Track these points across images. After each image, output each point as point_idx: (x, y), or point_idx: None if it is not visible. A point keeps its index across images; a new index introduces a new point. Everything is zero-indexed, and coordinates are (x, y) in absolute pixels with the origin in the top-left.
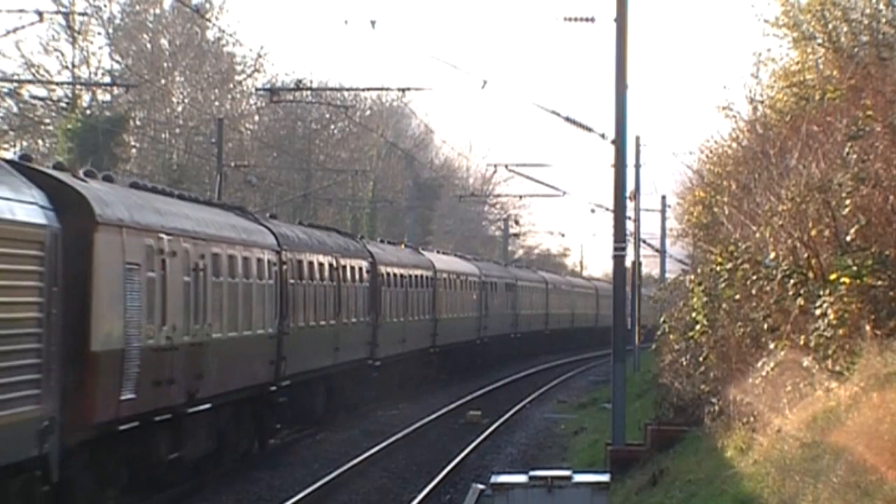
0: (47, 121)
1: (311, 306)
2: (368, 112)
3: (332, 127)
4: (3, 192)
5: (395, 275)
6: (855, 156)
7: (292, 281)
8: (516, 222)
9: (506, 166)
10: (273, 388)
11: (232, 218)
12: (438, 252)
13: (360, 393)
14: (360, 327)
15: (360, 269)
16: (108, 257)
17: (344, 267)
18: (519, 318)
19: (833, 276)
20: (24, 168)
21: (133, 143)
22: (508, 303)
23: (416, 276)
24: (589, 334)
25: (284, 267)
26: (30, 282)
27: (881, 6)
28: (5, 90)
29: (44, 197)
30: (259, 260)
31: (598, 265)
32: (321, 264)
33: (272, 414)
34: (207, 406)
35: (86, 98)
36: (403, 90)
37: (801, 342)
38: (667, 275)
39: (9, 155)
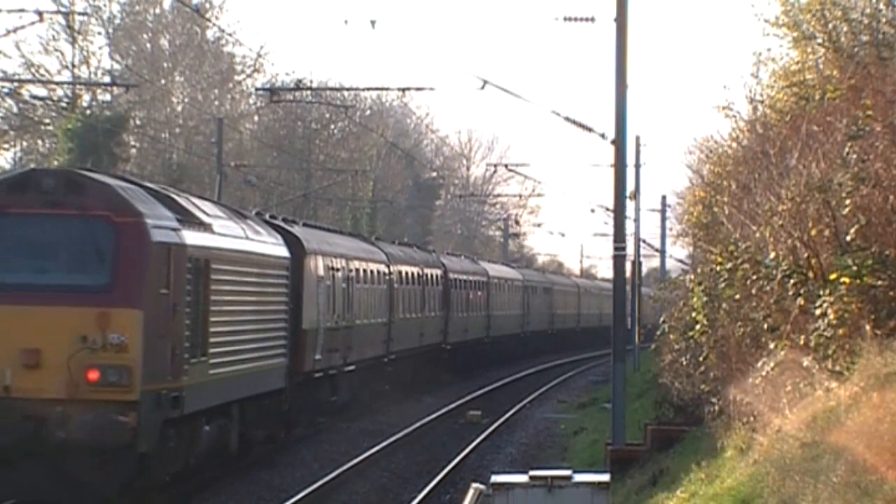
0: (47, 121)
1: (406, 303)
2: (368, 112)
3: (332, 127)
4: (269, 239)
5: (460, 280)
6: (855, 156)
7: (396, 286)
8: (516, 222)
9: (506, 166)
10: (385, 359)
11: (360, 242)
12: (489, 261)
13: (437, 367)
14: (436, 319)
15: (437, 276)
16: (310, 273)
17: (427, 275)
18: (555, 317)
19: (833, 276)
20: (265, 220)
21: (133, 143)
22: (546, 303)
23: (474, 281)
24: None
25: (391, 276)
26: (281, 289)
27: (881, 6)
28: (5, 90)
29: (280, 239)
30: (378, 271)
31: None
32: (412, 273)
33: (384, 378)
34: (352, 367)
35: (86, 98)
36: (403, 90)
37: (801, 342)
38: (667, 275)
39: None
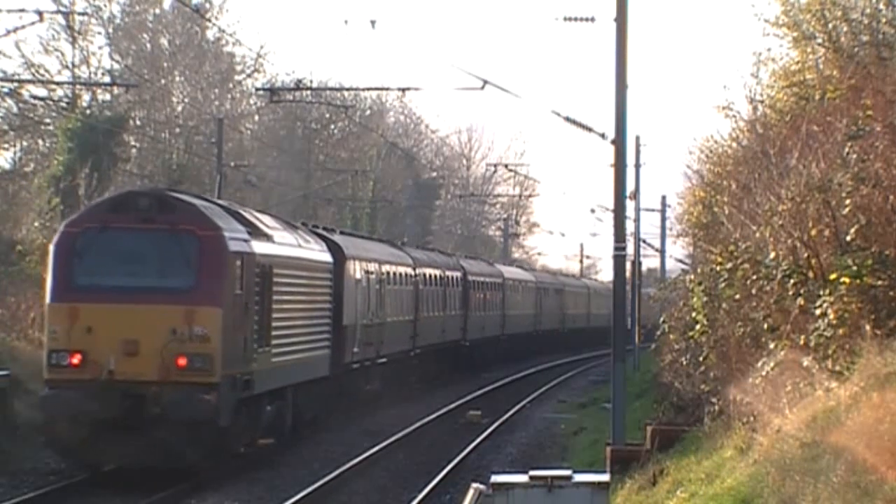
0: (47, 121)
1: (430, 303)
2: (368, 112)
3: (332, 127)
4: (316, 246)
5: (477, 281)
6: (855, 156)
7: (421, 287)
8: (517, 222)
9: (506, 166)
10: (411, 353)
11: (389, 248)
12: (505, 264)
13: (456, 361)
14: (456, 318)
15: (457, 278)
16: (349, 276)
17: (448, 277)
18: (566, 316)
19: (833, 276)
20: (309, 230)
21: (133, 143)
22: (557, 304)
23: (490, 282)
24: None
25: (417, 278)
26: (325, 290)
27: (881, 6)
28: (5, 90)
29: (324, 245)
30: (405, 274)
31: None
32: (435, 275)
33: (410, 370)
34: (384, 360)
35: (86, 98)
36: (403, 90)
37: (801, 342)
38: (667, 274)
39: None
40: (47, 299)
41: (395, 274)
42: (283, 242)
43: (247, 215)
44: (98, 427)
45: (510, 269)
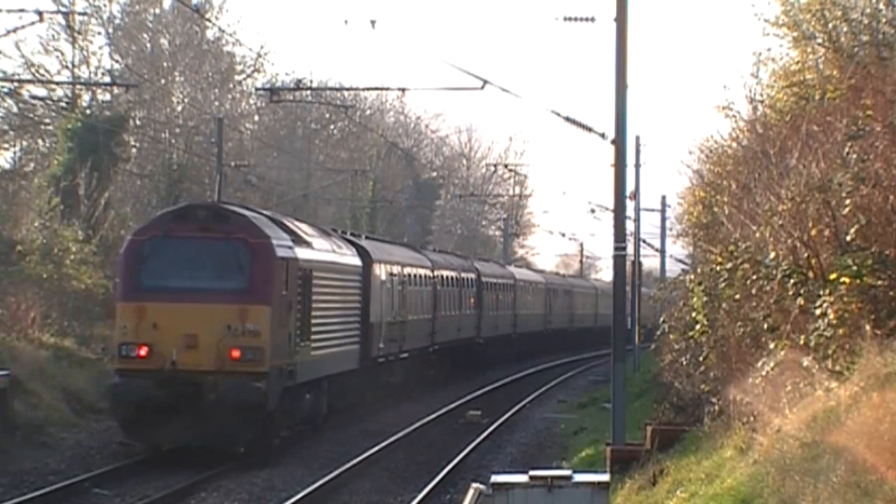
0: (47, 121)
1: (447, 302)
2: (368, 112)
3: (332, 127)
4: (347, 251)
5: (491, 282)
6: (855, 156)
7: (439, 287)
8: (517, 222)
9: (505, 166)
10: (429, 349)
11: (409, 251)
12: (517, 266)
13: (471, 358)
14: (470, 317)
15: (472, 279)
16: (375, 278)
17: (463, 278)
18: (574, 316)
19: (833, 276)
20: (340, 235)
21: (133, 143)
22: (566, 304)
23: (503, 284)
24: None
25: (435, 279)
26: (355, 291)
27: (881, 6)
28: (5, 90)
29: (354, 250)
30: (425, 275)
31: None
32: (451, 277)
33: (429, 365)
34: (406, 355)
35: (86, 98)
36: (403, 90)
37: (801, 342)
38: (667, 274)
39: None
40: (118, 299)
41: (415, 276)
42: (321, 248)
43: (290, 224)
44: (161, 411)
45: (521, 270)
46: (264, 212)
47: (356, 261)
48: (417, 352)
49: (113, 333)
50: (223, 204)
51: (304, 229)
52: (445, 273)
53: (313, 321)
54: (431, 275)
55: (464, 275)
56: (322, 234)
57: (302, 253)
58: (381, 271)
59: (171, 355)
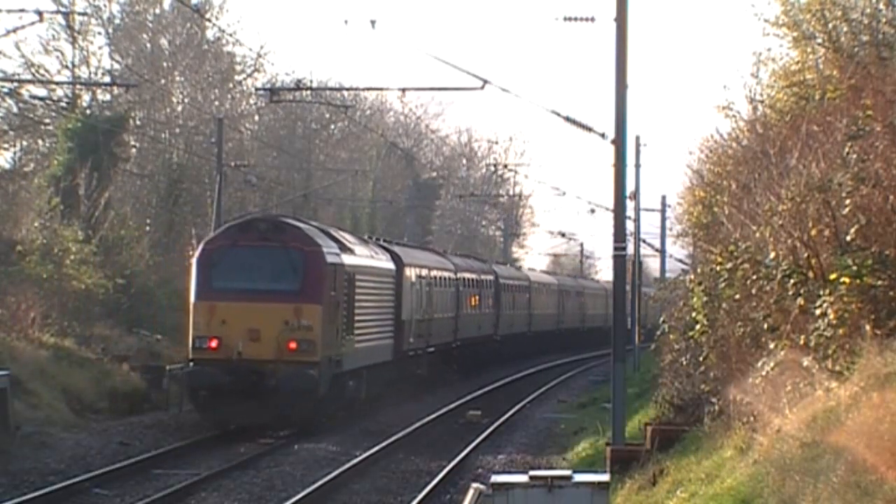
0: (47, 121)
1: (468, 301)
2: (368, 112)
3: (332, 127)
4: (382, 256)
5: (508, 284)
6: (855, 156)
7: (461, 288)
8: (517, 222)
9: (505, 166)
10: (453, 345)
11: (435, 255)
12: (531, 269)
13: (487, 355)
14: (490, 316)
15: (490, 280)
16: (406, 279)
17: (482, 280)
18: (585, 316)
19: (833, 276)
20: (375, 242)
21: (133, 143)
22: (578, 304)
23: (518, 285)
24: None
25: (457, 281)
26: (390, 291)
27: (881, 6)
28: (5, 90)
29: (388, 255)
30: (448, 277)
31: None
32: (472, 279)
33: (453, 359)
34: (433, 350)
35: (86, 98)
36: (403, 90)
37: (801, 342)
38: (667, 274)
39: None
40: (192, 299)
41: (440, 278)
42: (362, 254)
43: (336, 234)
44: (229, 395)
45: (535, 273)
46: (314, 223)
47: (390, 265)
48: (442, 346)
49: (188, 329)
50: (280, 217)
51: (347, 238)
52: (467, 275)
53: (356, 318)
54: (454, 277)
55: (483, 277)
56: (361, 241)
57: (347, 259)
58: (411, 274)
59: (238, 347)
